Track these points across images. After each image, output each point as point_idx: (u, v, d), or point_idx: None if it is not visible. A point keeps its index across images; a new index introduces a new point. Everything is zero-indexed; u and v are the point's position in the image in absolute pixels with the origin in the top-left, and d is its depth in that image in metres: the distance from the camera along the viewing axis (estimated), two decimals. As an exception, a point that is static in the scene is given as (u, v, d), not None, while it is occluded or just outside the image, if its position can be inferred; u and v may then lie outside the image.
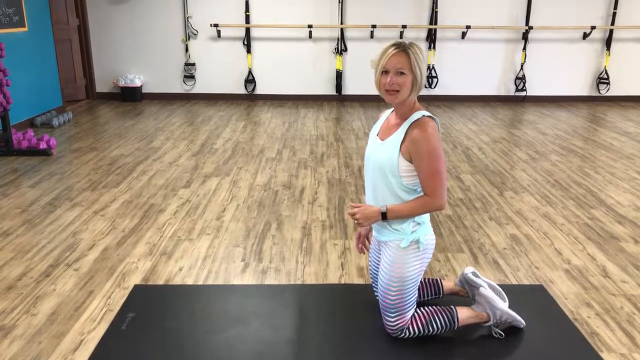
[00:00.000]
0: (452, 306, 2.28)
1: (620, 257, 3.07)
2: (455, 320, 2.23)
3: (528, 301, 2.55)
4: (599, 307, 2.55)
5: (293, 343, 2.26)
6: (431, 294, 2.46)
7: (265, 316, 2.46)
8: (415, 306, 2.24)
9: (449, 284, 2.49)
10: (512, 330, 2.32)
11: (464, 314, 2.26)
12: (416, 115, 2.07)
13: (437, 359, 2.17)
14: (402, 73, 2.03)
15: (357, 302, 2.56)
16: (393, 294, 2.17)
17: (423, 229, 2.17)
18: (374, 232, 2.30)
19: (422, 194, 2.11)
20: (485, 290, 2.27)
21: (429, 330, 2.23)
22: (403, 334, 2.22)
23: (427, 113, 2.08)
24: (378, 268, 2.32)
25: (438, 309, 2.25)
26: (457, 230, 3.41)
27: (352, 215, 2.16)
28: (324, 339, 2.29)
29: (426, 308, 2.26)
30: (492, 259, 3.03)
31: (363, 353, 2.21)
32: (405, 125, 2.08)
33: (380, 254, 2.29)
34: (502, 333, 2.29)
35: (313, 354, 2.20)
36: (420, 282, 2.43)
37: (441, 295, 2.46)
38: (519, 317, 2.30)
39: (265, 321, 2.42)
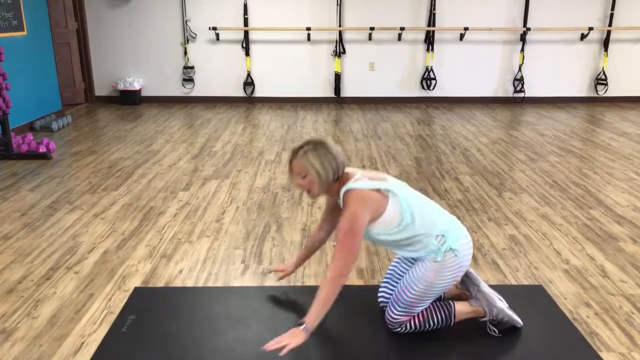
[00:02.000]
0: (450, 302, 2.29)
1: (619, 257, 3.08)
2: (453, 316, 2.26)
3: (527, 301, 2.56)
4: (598, 307, 2.56)
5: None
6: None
7: (265, 318, 2.46)
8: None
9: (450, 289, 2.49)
10: (511, 331, 2.33)
11: (461, 309, 2.28)
12: (343, 192, 2.11)
13: (437, 359, 2.17)
14: (304, 176, 2.11)
15: (356, 304, 2.57)
16: (413, 292, 2.19)
17: (452, 236, 2.15)
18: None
19: (407, 233, 2.12)
20: (486, 288, 2.29)
21: (427, 326, 2.25)
22: (401, 329, 2.25)
23: (351, 186, 2.08)
24: (401, 271, 2.35)
25: (437, 305, 2.27)
26: (456, 231, 3.42)
27: (281, 349, 1.97)
28: (324, 341, 2.30)
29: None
30: (492, 260, 3.04)
31: (363, 355, 2.21)
32: (340, 202, 2.13)
33: (412, 263, 2.31)
34: (496, 330, 2.30)
35: (313, 356, 2.20)
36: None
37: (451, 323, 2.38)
38: (516, 317, 2.31)
39: (265, 323, 2.42)
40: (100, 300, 2.61)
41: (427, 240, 2.14)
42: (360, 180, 2.10)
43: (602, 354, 2.21)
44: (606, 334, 2.35)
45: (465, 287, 2.42)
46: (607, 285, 2.76)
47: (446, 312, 2.25)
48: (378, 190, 2.09)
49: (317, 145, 2.10)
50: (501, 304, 2.28)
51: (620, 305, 2.58)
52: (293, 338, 1.99)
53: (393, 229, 2.12)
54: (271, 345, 1.97)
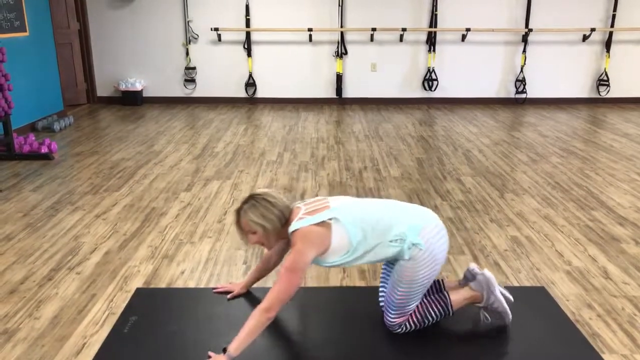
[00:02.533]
0: (444, 292, 2.29)
1: (621, 258, 3.07)
2: (450, 306, 2.26)
3: (529, 303, 2.56)
4: (600, 309, 2.56)
5: (295, 345, 2.27)
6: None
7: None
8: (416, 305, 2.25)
9: (451, 284, 2.48)
10: (513, 332, 2.32)
11: (457, 297, 2.28)
12: (290, 233, 2.14)
13: (439, 359, 2.17)
14: (253, 232, 2.15)
15: (358, 305, 2.57)
16: (399, 294, 2.19)
17: (410, 232, 2.14)
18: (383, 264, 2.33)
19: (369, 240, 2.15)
20: (489, 274, 2.29)
21: (425, 322, 2.25)
22: (400, 329, 2.25)
23: (295, 227, 2.11)
24: (390, 273, 2.34)
25: (432, 300, 2.27)
26: (458, 232, 3.41)
27: None
28: (326, 342, 2.30)
29: (420, 300, 2.27)
30: (494, 261, 3.03)
31: (364, 356, 2.21)
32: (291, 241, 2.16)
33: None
34: (488, 317, 2.32)
35: (315, 356, 2.20)
36: (428, 300, 2.38)
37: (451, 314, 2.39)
38: (508, 310, 2.30)
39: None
40: (102, 301, 2.61)
41: (385, 248, 2.15)
42: (302, 218, 2.14)
43: (604, 356, 2.20)
44: (608, 336, 2.35)
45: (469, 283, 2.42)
46: (610, 287, 2.76)
47: (442, 304, 2.25)
48: (321, 223, 2.12)
49: (254, 201, 2.14)
50: (499, 293, 2.28)
51: (623, 307, 2.57)
52: None
53: (346, 252, 2.15)
54: None
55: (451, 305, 2.26)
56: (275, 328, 2.37)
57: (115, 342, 2.28)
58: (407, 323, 2.24)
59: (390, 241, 2.14)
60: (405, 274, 2.17)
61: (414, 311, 2.24)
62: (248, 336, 2.01)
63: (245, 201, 2.16)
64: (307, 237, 2.08)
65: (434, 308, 2.25)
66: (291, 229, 2.12)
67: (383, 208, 2.23)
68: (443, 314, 2.26)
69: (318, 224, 2.11)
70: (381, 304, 2.44)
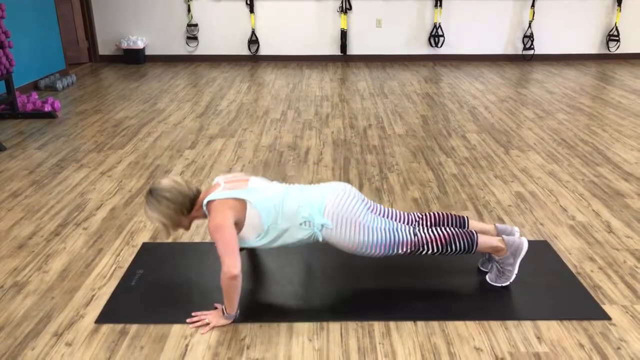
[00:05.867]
0: (473, 231, 2.31)
1: (625, 213, 3.08)
2: (475, 244, 2.28)
3: (533, 256, 2.57)
4: (602, 262, 2.58)
5: (299, 298, 2.31)
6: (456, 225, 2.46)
7: (272, 272, 2.50)
8: (400, 232, 2.25)
9: (486, 226, 2.47)
10: (516, 284, 2.35)
11: (483, 240, 2.30)
12: (204, 205, 2.20)
13: (443, 309, 2.21)
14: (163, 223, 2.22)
15: (362, 259, 2.60)
16: (355, 248, 2.23)
17: (316, 213, 2.19)
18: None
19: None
20: (525, 243, 2.31)
21: (448, 250, 2.27)
22: (424, 250, 2.26)
23: (210, 198, 2.17)
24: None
25: (460, 232, 2.29)
26: (462, 189, 3.42)
27: (202, 319, 2.16)
28: (329, 294, 2.34)
29: (449, 230, 2.30)
30: (497, 216, 3.04)
31: (367, 308, 2.25)
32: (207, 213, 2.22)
33: None
34: (485, 270, 2.43)
35: (319, 308, 2.25)
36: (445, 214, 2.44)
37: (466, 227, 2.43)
38: (510, 281, 2.34)
39: (271, 276, 2.46)
40: (109, 255, 2.65)
41: (297, 231, 2.21)
42: (219, 192, 2.19)
43: (605, 307, 2.23)
44: (609, 287, 2.37)
45: (510, 229, 2.44)
46: (612, 241, 2.77)
47: (469, 239, 2.27)
48: (237, 199, 2.17)
49: (151, 197, 2.18)
50: (517, 262, 2.31)
51: (625, 260, 2.59)
52: (217, 319, 2.13)
53: (259, 235, 2.21)
54: (193, 321, 2.14)
55: (477, 244, 2.28)
56: (281, 281, 2.41)
57: (123, 294, 2.33)
58: (431, 245, 2.25)
59: (300, 224, 2.20)
60: (340, 244, 2.23)
61: (439, 237, 2.26)
62: (230, 298, 2.11)
63: (146, 195, 2.21)
64: (222, 205, 2.15)
65: (461, 240, 2.27)
66: (207, 200, 2.18)
67: (290, 193, 2.27)
68: (466, 248, 2.27)
69: (233, 199, 2.17)
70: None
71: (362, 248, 2.22)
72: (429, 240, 2.25)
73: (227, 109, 5.28)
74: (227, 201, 2.16)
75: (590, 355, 1.97)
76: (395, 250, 2.25)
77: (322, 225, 2.19)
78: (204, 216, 2.25)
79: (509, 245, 2.30)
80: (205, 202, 2.19)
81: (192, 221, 2.30)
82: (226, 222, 2.10)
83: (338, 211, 2.20)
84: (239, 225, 2.18)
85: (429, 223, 2.40)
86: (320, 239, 2.23)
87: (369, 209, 2.32)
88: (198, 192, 2.27)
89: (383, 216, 2.36)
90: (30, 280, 2.44)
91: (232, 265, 2.04)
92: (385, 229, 2.24)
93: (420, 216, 2.42)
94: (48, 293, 2.35)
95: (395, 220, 2.38)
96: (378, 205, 2.41)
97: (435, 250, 2.27)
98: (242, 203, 2.17)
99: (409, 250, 2.26)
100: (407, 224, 2.38)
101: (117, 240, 2.79)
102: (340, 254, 2.31)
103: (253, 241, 2.23)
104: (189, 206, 2.22)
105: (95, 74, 7.04)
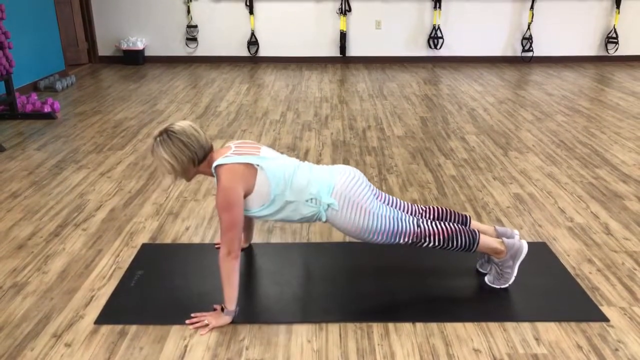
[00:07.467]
0: (476, 230, 2.32)
1: (623, 215, 3.09)
2: (476, 243, 2.28)
3: (531, 258, 2.58)
4: (600, 263, 2.59)
5: (298, 299, 2.31)
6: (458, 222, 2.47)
7: (271, 273, 2.50)
8: (404, 221, 2.25)
9: (486, 228, 2.48)
10: (515, 286, 2.36)
11: (484, 240, 2.31)
12: (213, 168, 2.15)
13: (442, 310, 2.21)
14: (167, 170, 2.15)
15: (361, 260, 2.60)
16: (373, 238, 2.23)
17: (323, 192, 2.18)
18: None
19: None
20: (525, 246, 2.31)
21: (449, 245, 2.27)
22: (425, 242, 2.26)
23: (220, 162, 2.12)
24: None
25: (463, 229, 2.29)
26: (460, 190, 3.42)
27: (201, 320, 2.14)
28: (328, 295, 2.34)
29: (452, 225, 2.30)
30: (496, 218, 3.05)
31: (366, 310, 2.26)
32: (215, 179, 2.18)
33: None
34: (484, 271, 2.43)
35: (318, 309, 2.25)
36: (449, 210, 2.46)
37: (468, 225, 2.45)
38: (509, 283, 2.35)
39: (270, 278, 2.47)
40: (109, 256, 2.65)
41: (302, 207, 2.20)
42: (229, 156, 2.15)
43: (602, 308, 2.24)
44: (607, 289, 2.38)
45: (509, 232, 2.45)
46: (611, 243, 2.78)
47: (470, 238, 2.27)
48: (248, 164, 2.14)
49: (167, 136, 2.10)
50: (516, 265, 2.32)
51: (623, 262, 2.60)
52: (216, 320, 2.13)
53: (264, 205, 2.19)
54: (192, 322, 2.13)
55: (478, 243, 2.28)
56: (280, 281, 2.42)
57: (122, 295, 2.33)
58: (432, 238, 2.25)
59: (306, 200, 2.19)
60: (343, 226, 2.22)
61: (442, 231, 2.25)
62: (229, 286, 2.10)
63: (159, 134, 2.12)
64: (231, 171, 2.10)
65: (463, 237, 2.27)
66: (216, 164, 2.13)
67: (301, 168, 2.26)
68: (467, 246, 2.27)
69: (244, 164, 2.13)
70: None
71: (365, 233, 2.21)
72: (431, 232, 2.25)
73: (227, 110, 5.29)
74: (237, 168, 2.11)
75: (589, 356, 1.98)
76: (398, 239, 2.24)
77: (329, 205, 2.18)
78: (210, 175, 2.21)
79: (509, 247, 2.31)
80: (214, 165, 2.14)
81: (195, 175, 2.24)
82: (235, 199, 2.07)
83: (346, 193, 2.19)
84: (246, 193, 2.14)
85: (432, 216, 2.41)
86: (324, 219, 2.21)
87: (375, 196, 2.32)
88: (211, 148, 2.21)
89: (388, 204, 2.36)
90: (29, 281, 2.45)
91: (235, 245, 2.05)
92: (389, 217, 2.24)
93: (424, 209, 2.43)
94: (47, 294, 2.35)
95: (400, 209, 2.38)
96: (384, 193, 2.42)
97: (437, 244, 2.26)
98: (253, 169, 2.14)
99: (410, 241, 2.26)
100: (411, 214, 2.38)
101: (117, 241, 2.79)
102: (339, 254, 2.32)
103: (256, 210, 2.20)
104: (201, 157, 2.15)
105: (95, 75, 7.04)
